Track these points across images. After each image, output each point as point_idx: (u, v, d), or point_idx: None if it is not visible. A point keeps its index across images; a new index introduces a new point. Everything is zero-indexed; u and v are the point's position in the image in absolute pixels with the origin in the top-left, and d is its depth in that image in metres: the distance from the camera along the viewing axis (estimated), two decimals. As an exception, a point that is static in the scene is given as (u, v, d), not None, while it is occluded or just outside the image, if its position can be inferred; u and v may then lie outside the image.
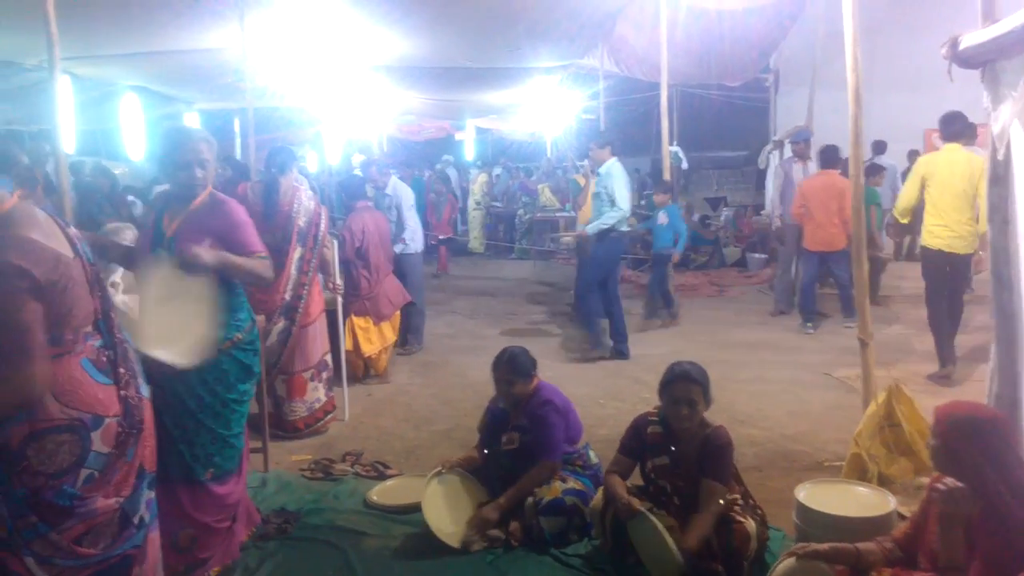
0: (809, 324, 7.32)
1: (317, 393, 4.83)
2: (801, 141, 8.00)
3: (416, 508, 3.50)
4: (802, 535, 3.17)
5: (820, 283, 7.85)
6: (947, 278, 5.47)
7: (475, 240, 13.31)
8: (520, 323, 8.08)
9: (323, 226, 4.79)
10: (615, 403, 5.39)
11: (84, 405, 2.07)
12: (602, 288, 6.47)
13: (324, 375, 4.89)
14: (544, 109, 13.14)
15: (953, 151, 5.33)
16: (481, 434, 3.82)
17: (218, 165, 8.04)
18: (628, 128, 13.73)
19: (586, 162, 8.37)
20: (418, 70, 9.74)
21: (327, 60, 8.57)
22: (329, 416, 4.95)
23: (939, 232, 5.33)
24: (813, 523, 3.16)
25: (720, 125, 14.25)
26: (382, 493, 3.89)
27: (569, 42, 8.61)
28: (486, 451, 3.72)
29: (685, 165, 12.00)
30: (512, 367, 3.57)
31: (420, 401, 5.58)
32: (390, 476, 4.17)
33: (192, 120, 11.95)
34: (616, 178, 6.24)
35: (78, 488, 2.05)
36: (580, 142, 13.66)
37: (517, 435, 3.57)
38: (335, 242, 5.13)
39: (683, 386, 3.15)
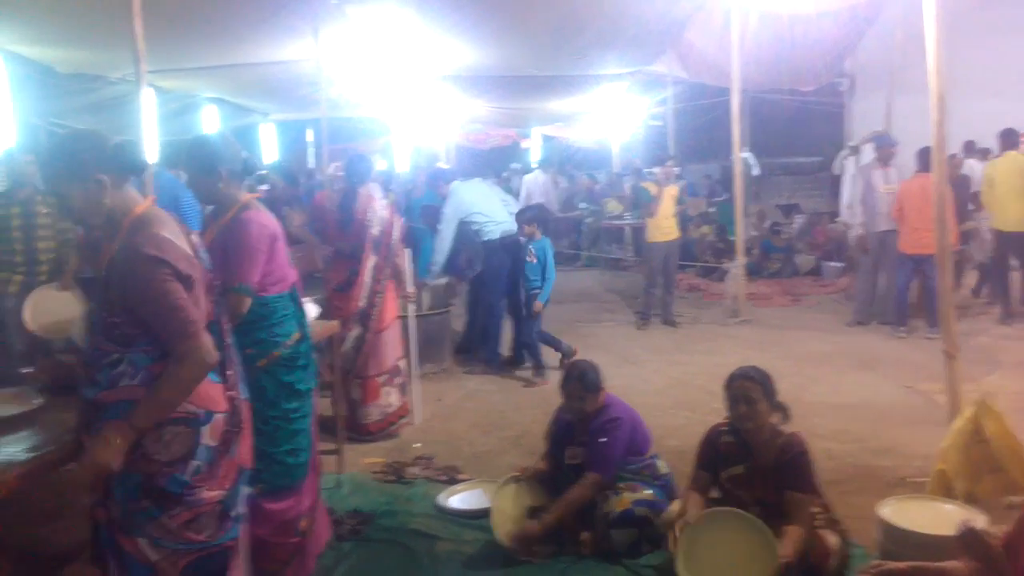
0: (903, 329, 7.15)
1: (390, 398, 4.92)
2: (888, 146, 7.77)
3: (487, 514, 3.52)
4: (885, 553, 3.06)
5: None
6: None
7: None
8: (589, 331, 8.04)
9: (396, 235, 4.87)
10: (685, 413, 5.32)
11: (199, 401, 2.18)
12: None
13: (397, 380, 4.97)
14: (610, 116, 13.09)
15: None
16: (548, 444, 3.80)
17: (271, 177, 8.25)
18: (697, 134, 13.57)
19: (657, 170, 8.29)
20: (485, 79, 9.84)
21: (397, 70, 8.73)
22: (402, 420, 5.03)
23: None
24: (897, 541, 3.05)
25: (793, 130, 13.97)
26: (453, 497, 3.92)
27: (637, 49, 8.58)
28: (553, 461, 3.71)
29: (757, 171, 11.77)
30: (581, 383, 3.54)
31: (489, 407, 5.61)
32: (460, 481, 4.21)
33: (268, 131, 12.33)
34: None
35: (187, 478, 2.16)
36: (648, 149, 13.57)
37: (581, 450, 3.55)
38: (408, 251, 5.20)
39: (740, 384, 3.12)
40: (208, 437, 2.20)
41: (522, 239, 6.31)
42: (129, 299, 2.11)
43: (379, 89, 9.76)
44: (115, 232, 2.18)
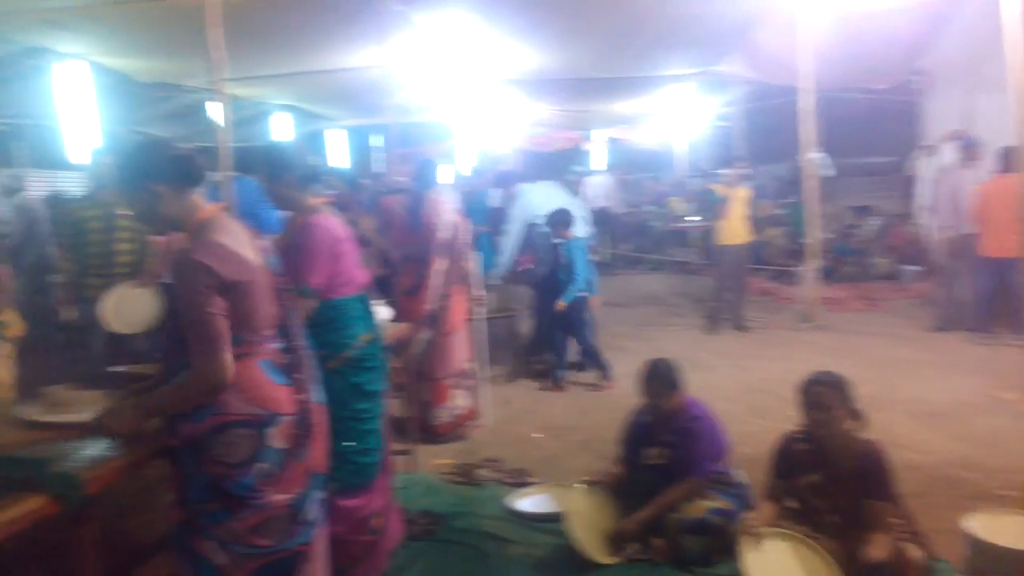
0: (986, 335, 6.91)
1: (459, 400, 4.96)
2: (975, 146, 7.47)
3: (558, 518, 3.51)
4: (972, 568, 2.95)
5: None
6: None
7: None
8: (656, 335, 7.96)
9: (464, 239, 4.91)
10: (758, 420, 5.21)
11: (262, 403, 2.22)
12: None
13: (466, 383, 5.01)
14: (675, 117, 12.94)
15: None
16: (622, 447, 3.77)
17: (334, 182, 8.39)
18: (765, 135, 13.28)
19: (725, 172, 8.15)
20: (548, 82, 9.85)
21: (462, 75, 8.81)
22: (471, 423, 5.06)
23: None
24: (986, 556, 2.92)
25: (865, 130, 13.50)
26: (524, 501, 3.92)
27: (702, 49, 8.46)
28: (628, 464, 3.67)
29: (829, 172, 11.45)
30: (662, 380, 3.50)
31: (557, 410, 5.60)
32: (530, 484, 4.20)
33: (336, 136, 12.56)
34: None
35: (254, 480, 2.19)
36: (714, 150, 13.37)
37: (663, 450, 3.50)
38: (478, 255, 5.25)
39: (815, 389, 3.06)
40: (275, 439, 2.22)
41: (556, 242, 6.25)
42: (177, 301, 2.18)
43: (444, 93, 9.86)
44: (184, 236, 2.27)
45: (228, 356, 2.15)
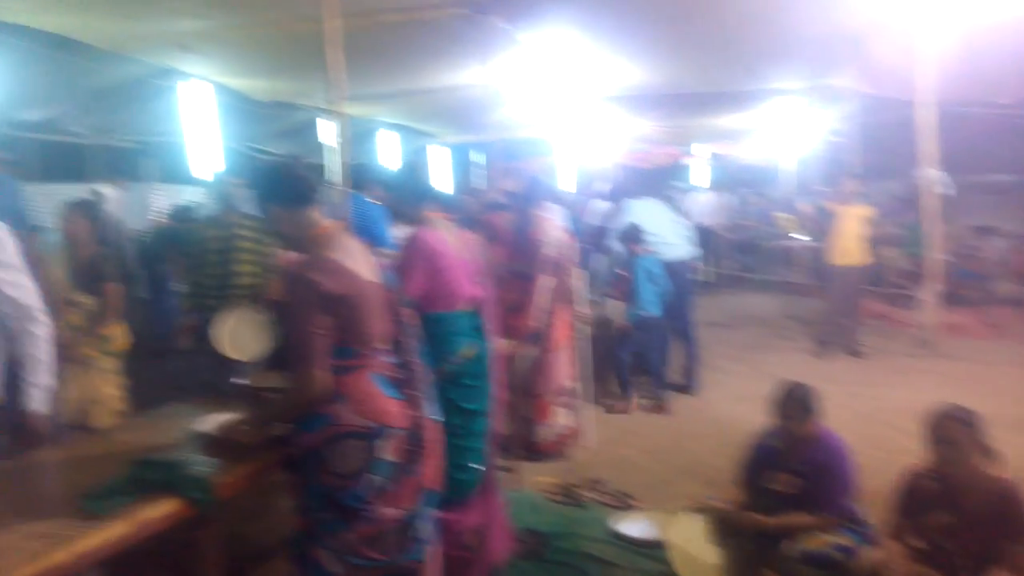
0: None
1: (562, 418, 4.92)
2: None
3: (662, 545, 3.42)
4: None
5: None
6: None
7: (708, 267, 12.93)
8: (762, 358, 7.71)
9: (571, 256, 4.88)
10: (874, 452, 4.93)
11: (374, 415, 2.26)
12: None
13: (568, 401, 4.97)
14: (782, 132, 12.57)
15: None
16: (744, 469, 3.61)
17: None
18: (879, 150, 12.73)
19: (837, 188, 7.85)
20: (650, 97, 9.75)
21: (564, 92, 8.82)
22: (573, 442, 5.01)
23: None
24: None
25: (987, 146, 12.75)
26: (628, 525, 3.84)
27: (813, 61, 8.19)
28: (748, 488, 3.53)
29: (950, 190, 10.87)
30: (798, 404, 3.34)
31: (661, 433, 5.48)
32: (634, 508, 4.13)
33: (438, 153, 12.81)
34: None
35: (365, 493, 2.23)
36: (825, 166, 12.89)
37: (792, 478, 3.35)
38: (584, 272, 5.22)
39: (942, 424, 2.87)
40: (385, 452, 2.26)
41: (631, 257, 6.10)
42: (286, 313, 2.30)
43: (546, 110, 9.91)
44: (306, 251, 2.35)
45: (321, 372, 2.21)
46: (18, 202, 5.94)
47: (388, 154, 11.12)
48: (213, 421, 2.64)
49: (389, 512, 2.28)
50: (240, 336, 4.41)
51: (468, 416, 3.18)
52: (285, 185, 2.36)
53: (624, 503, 4.22)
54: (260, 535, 3.64)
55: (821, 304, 8.12)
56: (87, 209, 4.84)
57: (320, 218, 2.39)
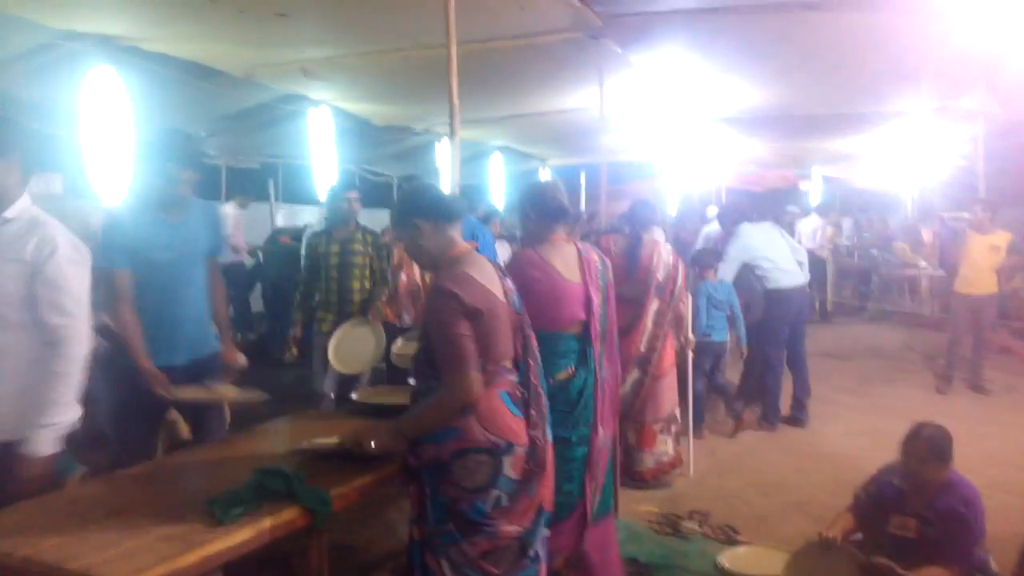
0: None
1: (665, 446, 4.84)
2: None
3: (773, 583, 3.29)
4: None
5: None
6: None
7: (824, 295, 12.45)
8: (880, 392, 7.35)
9: (680, 281, 4.82)
10: (1002, 496, 4.62)
11: (500, 431, 2.32)
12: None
13: (673, 428, 4.89)
14: (903, 155, 12.01)
15: None
16: (863, 507, 3.44)
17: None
18: (1013, 175, 11.98)
19: (966, 215, 7.45)
20: (764, 119, 9.52)
21: (676, 114, 8.74)
22: (675, 471, 4.92)
23: None
24: None
25: None
26: (734, 560, 3.71)
27: (939, 83, 7.80)
28: (866, 529, 3.36)
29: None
30: (931, 448, 3.17)
31: (769, 466, 5.30)
32: (740, 543, 4.00)
33: (545, 176, 12.92)
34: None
35: (487, 508, 2.28)
36: (952, 191, 12.26)
37: (916, 523, 3.17)
38: (690, 297, 5.13)
39: None
40: (509, 469, 2.31)
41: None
42: (427, 328, 2.37)
43: (655, 132, 9.83)
44: (436, 272, 2.45)
45: (476, 374, 2.29)
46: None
47: (496, 176, 11.30)
48: (338, 432, 2.74)
49: (508, 529, 2.32)
50: (349, 349, 4.59)
51: (559, 440, 3.09)
52: (433, 203, 2.48)
53: (729, 537, 4.10)
54: (366, 545, 3.75)
55: (944, 336, 7.69)
56: None
57: (460, 238, 2.50)
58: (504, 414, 2.34)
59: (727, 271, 5.96)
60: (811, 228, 11.99)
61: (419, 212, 2.46)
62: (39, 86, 5.95)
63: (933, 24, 5.61)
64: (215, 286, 3.48)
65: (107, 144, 5.25)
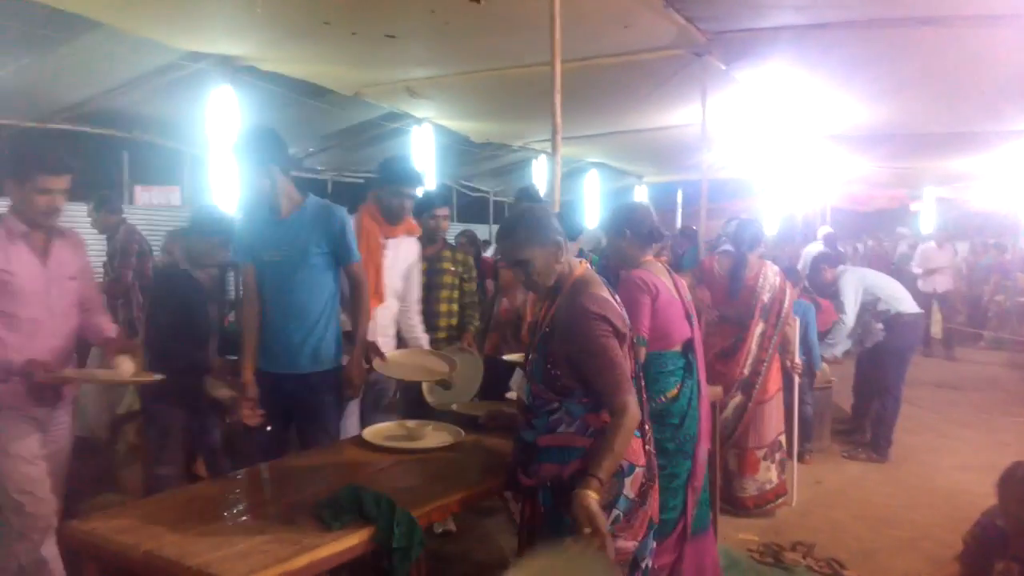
0: None
1: (769, 473, 4.67)
2: None
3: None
4: None
5: None
6: None
7: (935, 324, 11.81)
8: (998, 427, 6.91)
9: (787, 303, 4.67)
10: None
11: (626, 454, 2.28)
12: None
13: (777, 456, 4.72)
14: (1024, 176, 11.33)
15: None
16: (969, 550, 3.26)
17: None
18: None
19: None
20: (874, 137, 9.16)
21: (780, 131, 8.52)
22: (779, 500, 4.75)
23: None
24: None
25: None
26: (842, 597, 3.56)
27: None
28: (971, 572, 3.17)
29: None
30: None
31: (877, 499, 5.05)
32: (847, 579, 3.83)
33: (641, 193, 12.82)
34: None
35: (609, 526, 2.23)
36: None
37: (1020, 568, 2.96)
38: (798, 320, 4.96)
39: None
40: (629, 488, 2.29)
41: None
42: (572, 352, 2.28)
43: (758, 149, 9.61)
44: (557, 293, 2.39)
45: (634, 394, 2.27)
46: None
47: (591, 193, 11.27)
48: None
49: (626, 545, 2.30)
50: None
51: (670, 457, 3.13)
52: (561, 224, 2.42)
53: (835, 571, 3.92)
54: (463, 555, 3.77)
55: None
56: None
57: (575, 260, 2.46)
58: None
59: (850, 316, 5.70)
60: (926, 251, 11.41)
61: (555, 231, 2.37)
62: (164, 104, 6.32)
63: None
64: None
65: (226, 159, 5.50)
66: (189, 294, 3.74)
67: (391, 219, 3.75)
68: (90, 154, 7.10)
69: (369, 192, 3.95)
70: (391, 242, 3.80)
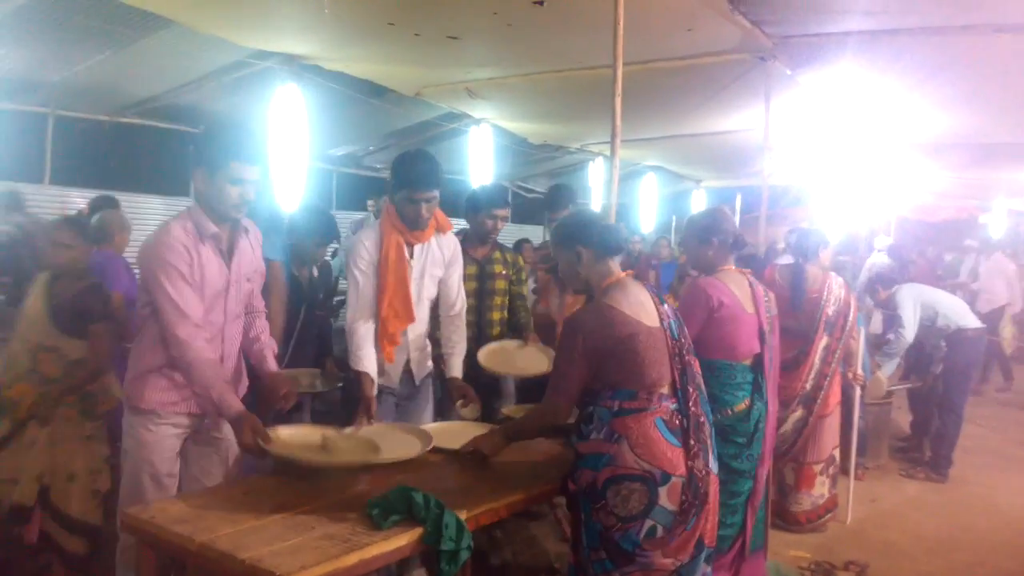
0: None
1: (823, 488, 4.58)
2: None
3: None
4: None
5: None
6: None
7: (1004, 340, 11.36)
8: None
9: (852, 316, 4.55)
10: None
11: (655, 460, 2.28)
12: None
13: (831, 470, 4.62)
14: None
15: None
16: None
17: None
18: None
19: None
20: (944, 145, 8.87)
21: (845, 137, 8.31)
22: (829, 514, 4.64)
23: None
24: None
25: None
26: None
27: None
28: None
29: None
30: None
31: (934, 520, 4.89)
32: (901, 602, 3.72)
33: (698, 198, 12.65)
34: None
35: (641, 538, 2.25)
36: None
37: None
38: (862, 331, 4.84)
39: None
40: (665, 499, 2.27)
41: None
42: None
43: (822, 156, 9.39)
44: (589, 300, 2.49)
45: (566, 404, 2.45)
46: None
47: (648, 197, 11.16)
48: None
49: (664, 561, 2.28)
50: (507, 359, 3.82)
51: (733, 472, 3.09)
52: (600, 233, 2.52)
53: (890, 594, 3.82)
54: (509, 558, 3.77)
55: None
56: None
57: (617, 268, 2.52)
58: (658, 442, 2.30)
59: (910, 330, 5.51)
60: (997, 263, 10.98)
61: (584, 240, 2.50)
62: (230, 101, 6.46)
63: None
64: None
65: (291, 155, 5.61)
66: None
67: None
68: (160, 149, 7.32)
69: (384, 195, 3.87)
70: (418, 249, 3.29)
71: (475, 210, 4.01)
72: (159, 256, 2.56)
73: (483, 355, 3.73)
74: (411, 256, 3.26)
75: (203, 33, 4.93)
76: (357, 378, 3.09)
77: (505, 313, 4.13)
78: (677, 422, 2.36)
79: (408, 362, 3.34)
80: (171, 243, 2.58)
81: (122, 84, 6.16)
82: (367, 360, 3.10)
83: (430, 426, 3.17)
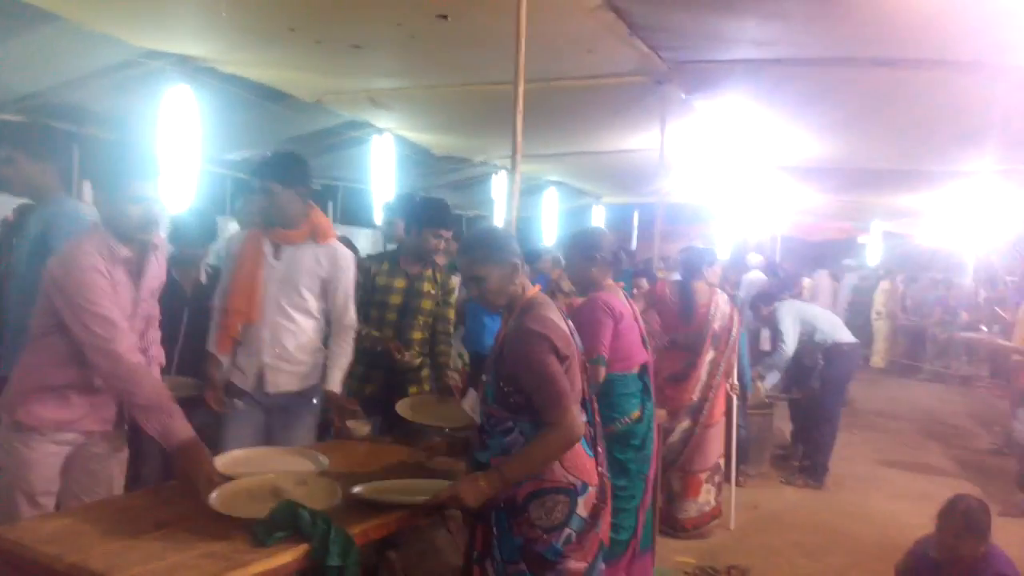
0: None
1: (709, 496, 4.78)
2: None
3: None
4: None
5: None
6: None
7: (876, 355, 12.13)
8: (933, 455, 7.12)
9: (735, 332, 4.77)
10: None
11: (578, 472, 2.32)
12: None
13: (717, 478, 4.81)
14: (968, 215, 11.72)
15: None
16: None
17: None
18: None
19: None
20: (825, 170, 9.41)
21: (735, 160, 8.70)
22: (714, 522, 4.83)
23: None
24: None
25: None
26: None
27: (1007, 145, 7.61)
28: None
29: None
30: (967, 522, 3.08)
31: (813, 525, 5.16)
32: (779, 604, 3.89)
33: (598, 214, 12.94)
34: None
35: (561, 546, 2.28)
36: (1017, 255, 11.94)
37: None
38: (744, 344, 5.08)
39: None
40: (582, 508, 2.31)
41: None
42: (515, 370, 2.32)
43: (714, 177, 9.79)
44: (511, 312, 2.43)
45: (578, 409, 2.29)
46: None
47: (549, 211, 11.34)
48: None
49: (577, 566, 2.32)
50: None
51: (631, 478, 3.24)
52: (506, 246, 2.41)
53: (769, 597, 4.00)
54: (417, 562, 3.73)
55: (1004, 402, 7.43)
56: None
57: (528, 281, 2.50)
58: (581, 455, 2.35)
59: (790, 344, 5.80)
60: (869, 283, 11.74)
61: (513, 253, 2.41)
62: (117, 101, 6.18)
63: (1002, 85, 5.50)
64: None
65: (179, 157, 5.42)
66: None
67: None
68: (41, 148, 6.90)
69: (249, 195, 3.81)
70: (287, 251, 3.19)
71: (419, 224, 3.72)
72: (79, 281, 2.44)
73: (402, 407, 3.38)
74: (277, 257, 3.20)
75: (88, 30, 4.72)
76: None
77: (427, 334, 3.85)
78: (587, 432, 2.40)
79: (263, 368, 3.21)
80: (94, 264, 2.47)
81: (1, 78, 5.81)
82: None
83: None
